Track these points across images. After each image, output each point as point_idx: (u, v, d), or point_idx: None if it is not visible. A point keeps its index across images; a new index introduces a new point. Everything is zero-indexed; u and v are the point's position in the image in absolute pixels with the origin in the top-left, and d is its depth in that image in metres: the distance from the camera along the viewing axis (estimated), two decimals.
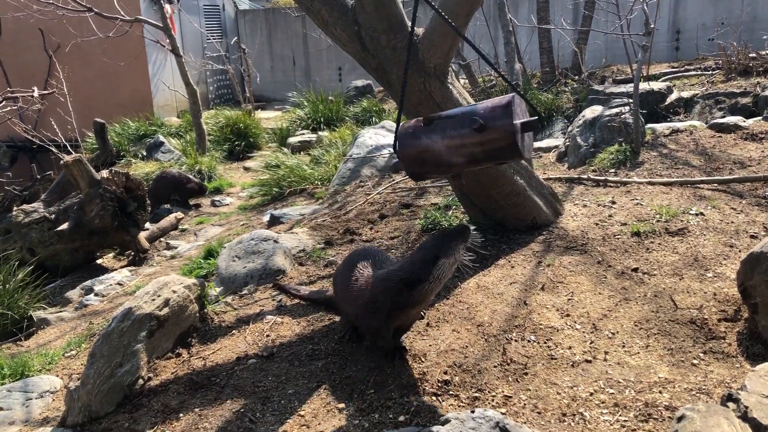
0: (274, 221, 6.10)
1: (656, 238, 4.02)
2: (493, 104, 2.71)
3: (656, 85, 7.81)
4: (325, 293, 3.70)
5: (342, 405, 2.72)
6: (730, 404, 2.15)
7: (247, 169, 10.32)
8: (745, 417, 2.06)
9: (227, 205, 8.66)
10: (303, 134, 10.95)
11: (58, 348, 4.23)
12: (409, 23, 3.83)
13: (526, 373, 2.83)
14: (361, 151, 7.19)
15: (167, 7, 11.44)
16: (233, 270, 4.35)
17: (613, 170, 5.51)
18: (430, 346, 3.07)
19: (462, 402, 2.67)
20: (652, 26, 6.11)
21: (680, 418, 2.07)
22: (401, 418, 2.58)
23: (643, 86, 7.52)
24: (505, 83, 9.02)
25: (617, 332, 3.09)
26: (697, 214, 4.30)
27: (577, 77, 9.89)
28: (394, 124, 8.53)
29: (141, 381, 3.12)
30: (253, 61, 14.71)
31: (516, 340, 3.08)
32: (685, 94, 7.72)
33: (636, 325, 3.13)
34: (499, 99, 2.72)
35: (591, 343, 3.02)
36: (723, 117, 6.65)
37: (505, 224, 4.37)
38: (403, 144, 2.86)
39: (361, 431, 2.54)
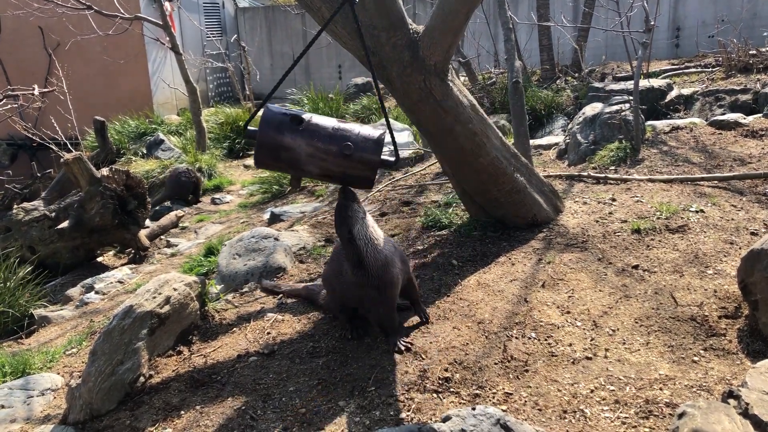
0: (275, 219, 6.10)
1: (656, 236, 4.02)
2: (366, 135, 2.76)
3: (656, 82, 7.81)
4: (309, 288, 3.78)
5: (343, 402, 2.73)
6: (731, 401, 2.15)
7: (247, 166, 10.32)
8: (746, 414, 2.07)
9: (227, 202, 8.66)
10: None
11: (59, 346, 4.23)
12: (410, 21, 3.84)
13: (526, 370, 2.83)
14: None
15: (167, 4, 11.42)
16: (234, 268, 4.35)
17: (613, 167, 5.51)
18: (431, 343, 3.07)
19: (463, 399, 2.67)
20: (652, 23, 6.10)
21: (681, 415, 2.07)
22: (402, 415, 2.58)
23: (644, 83, 7.52)
24: (505, 80, 9.01)
25: (618, 329, 3.10)
26: (697, 211, 4.30)
27: (577, 74, 9.89)
28: (393, 121, 8.50)
29: (142, 378, 3.12)
30: (253, 59, 14.70)
31: (517, 338, 3.08)
32: (686, 91, 7.72)
33: (636, 322, 3.14)
34: (371, 131, 2.79)
35: (591, 340, 3.02)
36: (723, 114, 6.66)
37: (505, 222, 4.37)
38: (265, 130, 2.79)
39: (362, 428, 2.54)
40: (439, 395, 2.71)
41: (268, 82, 16.27)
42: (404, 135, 7.85)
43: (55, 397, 3.43)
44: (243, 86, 13.95)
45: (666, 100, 7.56)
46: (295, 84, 15.79)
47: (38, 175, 7.92)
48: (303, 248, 4.64)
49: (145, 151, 10.90)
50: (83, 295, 5.52)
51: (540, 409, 2.58)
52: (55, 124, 8.97)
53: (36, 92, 7.70)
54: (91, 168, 6.42)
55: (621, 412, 2.51)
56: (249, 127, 2.92)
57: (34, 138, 9.17)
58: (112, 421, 2.91)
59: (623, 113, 6.04)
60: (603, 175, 5.26)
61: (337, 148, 2.72)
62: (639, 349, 2.93)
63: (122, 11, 9.95)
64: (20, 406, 3.34)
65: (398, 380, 2.82)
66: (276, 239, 4.54)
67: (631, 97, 6.08)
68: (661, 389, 2.63)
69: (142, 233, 6.95)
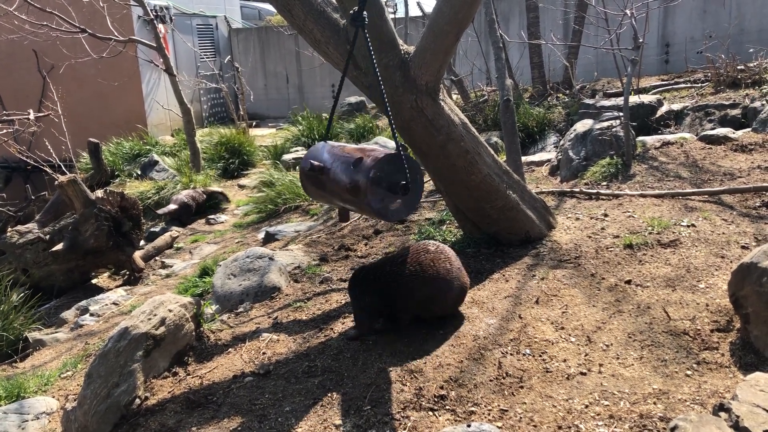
0: (269, 238, 6.11)
1: (648, 250, 4.06)
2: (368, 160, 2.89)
3: (646, 98, 7.88)
4: None
5: (339, 421, 2.73)
6: (722, 414, 2.17)
7: (241, 186, 10.34)
8: (736, 426, 2.08)
9: (222, 222, 8.67)
10: (297, 151, 10.98)
11: (53, 369, 4.22)
12: (401, 41, 3.89)
13: (521, 387, 2.84)
14: None
15: (160, 26, 11.51)
16: (229, 288, 4.36)
17: (604, 183, 5.56)
18: (426, 361, 3.08)
19: (458, 416, 2.68)
20: (641, 40, 6.19)
21: (673, 429, 2.09)
22: None
23: (634, 99, 7.59)
24: (497, 98, 9.08)
25: (611, 344, 3.12)
26: (688, 226, 4.34)
27: (568, 91, 9.98)
28: (388, 141, 8.55)
29: (138, 401, 3.12)
30: (247, 79, 14.77)
31: (511, 354, 3.09)
32: (676, 107, 7.80)
33: (630, 337, 3.16)
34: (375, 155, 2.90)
35: (585, 356, 3.04)
36: (713, 129, 6.72)
37: (498, 238, 4.40)
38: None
39: None
40: (435, 413, 2.71)
41: (261, 102, 16.36)
42: None
43: (50, 421, 3.41)
44: (237, 107, 13.99)
45: (656, 116, 7.63)
46: (289, 104, 15.89)
47: (32, 197, 7.92)
48: (298, 267, 4.66)
49: (139, 173, 10.91)
50: (78, 318, 5.51)
51: (535, 426, 2.59)
52: (50, 147, 8.98)
53: (32, 117, 7.72)
54: (85, 190, 6.43)
55: (615, 427, 2.52)
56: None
57: (28, 161, 9.18)
58: None
59: (614, 129, 6.10)
60: (595, 191, 5.31)
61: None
62: (633, 364, 2.95)
63: (116, 34, 10.00)
64: (15, 431, 3.32)
65: (394, 399, 2.82)
66: (271, 259, 4.55)
67: (621, 114, 6.14)
68: (655, 403, 2.65)
69: (137, 254, 6.94)
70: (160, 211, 8.63)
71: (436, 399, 2.79)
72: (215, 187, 9.79)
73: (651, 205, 4.86)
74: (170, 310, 3.44)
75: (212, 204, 9.44)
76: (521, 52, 11.51)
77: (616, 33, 7.61)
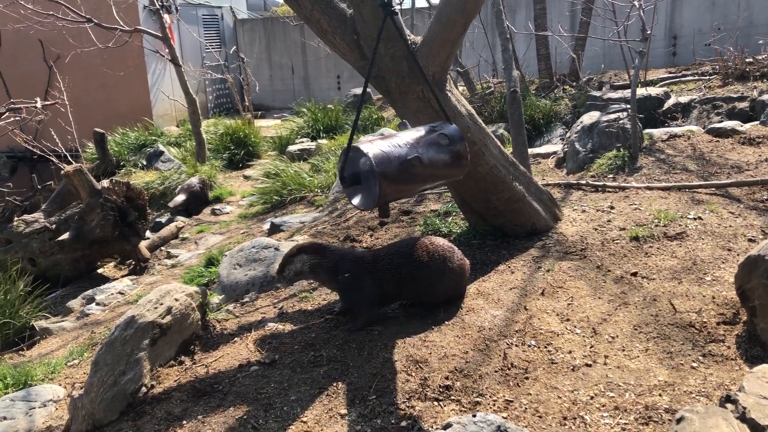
0: (275, 229, 6.12)
1: (655, 243, 4.05)
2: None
3: (654, 91, 7.85)
4: None
5: (344, 411, 2.74)
6: (729, 405, 2.17)
7: (246, 177, 10.35)
8: (743, 418, 2.08)
9: (227, 213, 8.68)
10: (302, 142, 10.99)
11: (60, 357, 4.24)
12: (408, 32, 3.87)
13: (527, 378, 2.85)
14: None
15: (166, 17, 11.48)
16: (234, 278, 4.37)
17: (611, 175, 5.54)
18: (431, 352, 3.08)
19: (463, 407, 2.69)
20: (649, 32, 6.15)
21: (679, 420, 2.09)
22: (403, 424, 2.60)
23: (641, 92, 7.56)
24: (503, 90, 9.05)
25: (617, 336, 3.11)
26: (695, 219, 4.33)
27: (575, 83, 9.94)
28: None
29: (144, 389, 3.13)
30: (252, 70, 14.77)
31: (516, 345, 3.09)
32: (683, 99, 7.76)
33: (635, 329, 3.16)
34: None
35: (591, 348, 3.04)
36: (720, 121, 6.69)
37: (504, 230, 4.39)
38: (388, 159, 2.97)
39: None
40: (440, 403, 2.72)
41: (267, 93, 16.36)
42: None
43: (57, 408, 3.43)
44: (242, 97, 13.99)
45: (663, 108, 7.60)
46: (294, 95, 15.88)
47: (38, 187, 7.94)
48: None
49: (145, 163, 10.93)
50: (84, 307, 5.53)
51: (540, 416, 2.59)
52: (55, 137, 9.00)
53: (39, 105, 7.73)
54: (91, 180, 6.44)
55: (621, 419, 2.52)
56: None
57: (34, 150, 9.20)
58: (114, 431, 2.92)
59: (621, 122, 6.08)
60: (601, 183, 5.29)
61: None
62: (638, 356, 2.95)
63: (122, 24, 9.99)
64: (22, 418, 3.35)
65: (399, 388, 2.83)
66: (276, 249, 4.56)
67: (628, 106, 6.11)
68: (660, 395, 2.65)
69: (143, 244, 6.96)
70: (171, 204, 8.68)
71: (441, 389, 2.80)
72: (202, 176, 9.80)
73: (658, 197, 4.85)
74: (176, 300, 3.45)
75: (216, 196, 9.46)
76: (528, 43, 11.46)
77: (624, 25, 7.57)
